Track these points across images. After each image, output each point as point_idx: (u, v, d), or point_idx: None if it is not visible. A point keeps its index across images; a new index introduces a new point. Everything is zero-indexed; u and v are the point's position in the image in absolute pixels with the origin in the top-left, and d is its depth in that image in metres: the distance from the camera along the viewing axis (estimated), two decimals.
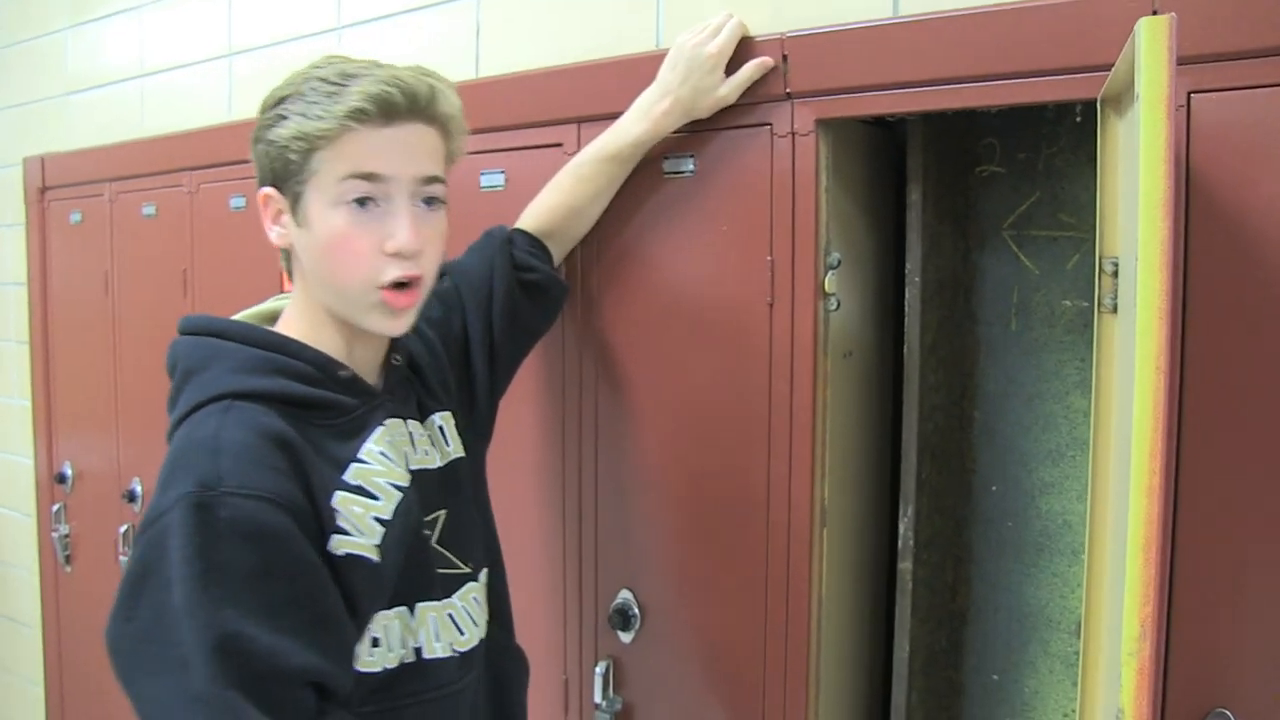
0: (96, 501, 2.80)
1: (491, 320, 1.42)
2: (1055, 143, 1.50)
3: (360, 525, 1.09)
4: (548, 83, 1.67)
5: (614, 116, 1.51)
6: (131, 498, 2.60)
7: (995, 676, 1.60)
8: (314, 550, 1.04)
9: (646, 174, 1.54)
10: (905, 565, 1.52)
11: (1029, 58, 1.23)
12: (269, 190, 1.15)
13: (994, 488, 1.60)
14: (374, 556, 1.09)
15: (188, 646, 0.93)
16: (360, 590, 1.08)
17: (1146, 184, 0.88)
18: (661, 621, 1.58)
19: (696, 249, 1.51)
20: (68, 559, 2.96)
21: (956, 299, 1.59)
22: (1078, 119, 1.38)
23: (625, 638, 1.60)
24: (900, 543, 1.53)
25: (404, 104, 1.10)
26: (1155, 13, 1.13)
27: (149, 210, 2.53)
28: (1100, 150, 1.19)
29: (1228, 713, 1.14)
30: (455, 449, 1.30)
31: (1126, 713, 0.90)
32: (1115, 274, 1.19)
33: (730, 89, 1.43)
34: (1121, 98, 1.14)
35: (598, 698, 1.61)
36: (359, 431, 1.15)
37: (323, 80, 1.09)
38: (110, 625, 0.99)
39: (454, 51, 1.87)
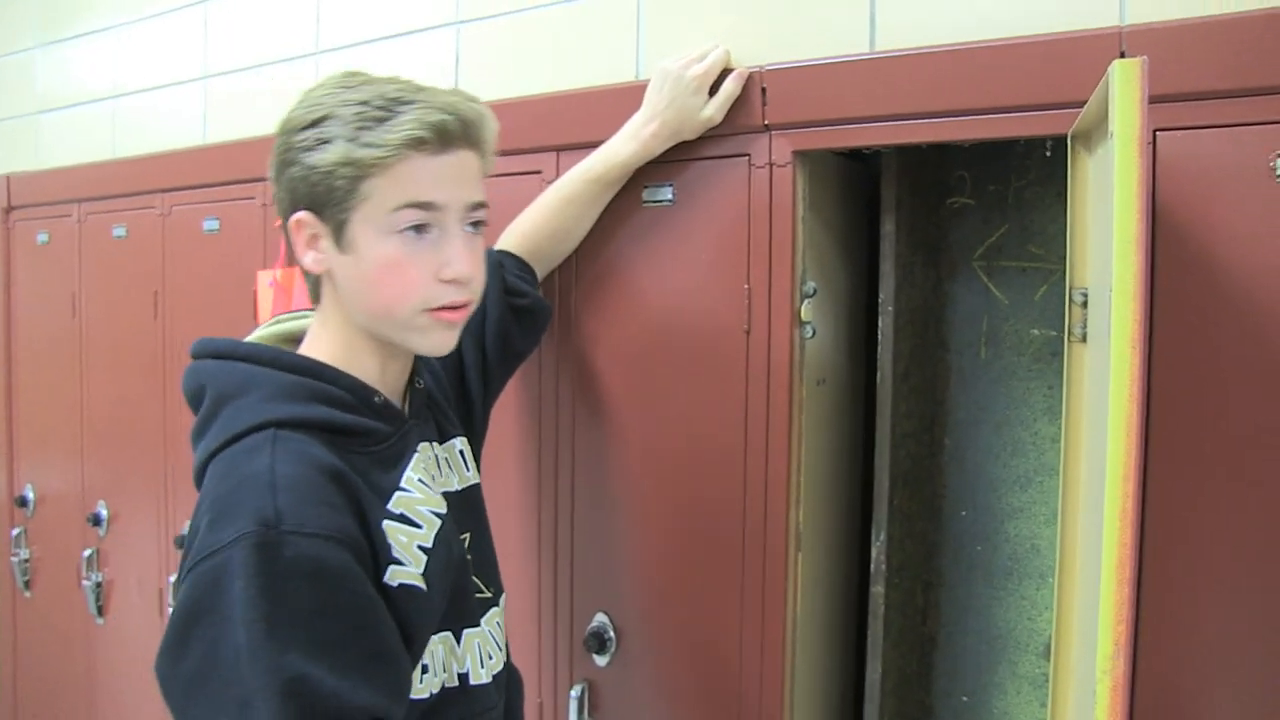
0: (59, 525, 2.77)
1: (485, 345, 1.43)
2: (1025, 176, 1.54)
3: (407, 554, 1.09)
4: (527, 111, 1.69)
5: (594, 145, 1.54)
6: (96, 521, 2.57)
7: (965, 698, 1.63)
8: (371, 584, 1.03)
9: (626, 201, 1.56)
10: (878, 589, 1.54)
11: (1001, 94, 1.27)
12: (304, 215, 1.10)
13: (963, 513, 1.63)
14: (422, 585, 1.09)
15: (251, 689, 0.92)
16: (415, 620, 1.08)
17: (1120, 218, 0.91)
18: (638, 644, 1.59)
19: (675, 275, 1.54)
20: (27, 584, 2.92)
21: (927, 328, 1.63)
22: (1047, 153, 1.43)
23: (601, 661, 1.61)
24: (873, 567, 1.55)
25: (459, 131, 1.09)
26: (1124, 54, 1.17)
27: (119, 231, 2.52)
28: (1070, 185, 1.23)
29: None
30: (473, 473, 1.31)
31: None
32: (1085, 305, 1.23)
33: (715, 108, 1.46)
34: (1092, 134, 1.18)
35: None
36: (398, 459, 1.16)
37: (364, 104, 1.06)
38: (160, 661, 0.98)
39: (433, 79, 1.89)
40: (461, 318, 1.15)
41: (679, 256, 1.53)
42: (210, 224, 2.26)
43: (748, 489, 1.48)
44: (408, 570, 1.08)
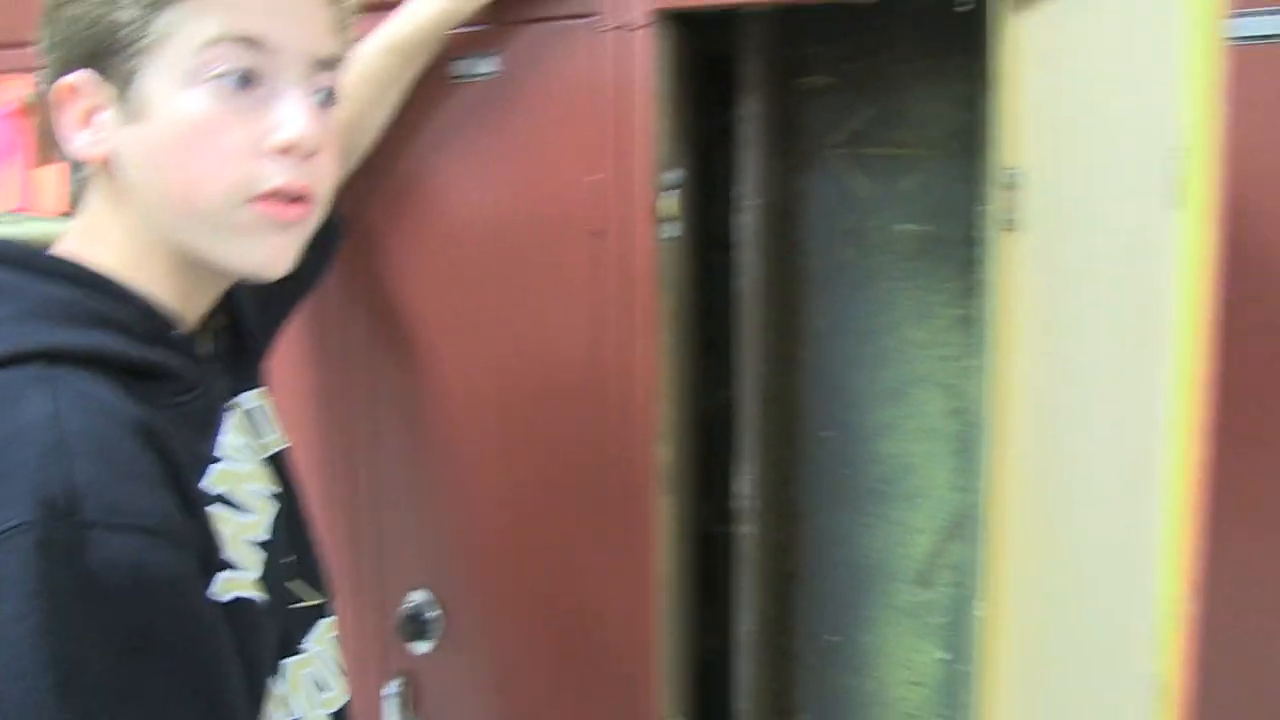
0: None
1: None
2: (890, 51, 1.37)
3: (237, 552, 0.76)
4: None
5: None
6: None
7: (833, 638, 1.48)
8: (203, 596, 0.70)
9: (431, 79, 1.24)
10: (745, 529, 1.35)
11: None
12: (78, 78, 0.75)
13: (824, 434, 1.46)
14: (260, 597, 0.77)
15: None
16: (253, 653, 0.76)
17: (1200, 66, 0.73)
18: (468, 622, 1.31)
19: (502, 170, 1.24)
20: None
21: (779, 226, 1.43)
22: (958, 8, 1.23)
23: (422, 647, 1.31)
24: (738, 504, 1.35)
25: None
26: None
27: None
28: (998, 48, 1.06)
29: None
30: (278, 436, 0.96)
31: (1166, 682, 0.77)
32: (1014, 187, 1.07)
33: None
34: None
35: None
36: (209, 417, 0.81)
37: None
38: None
39: None
40: (301, 215, 0.79)
41: (507, 146, 1.23)
42: None
43: (605, 424, 1.23)
44: (241, 577, 0.76)
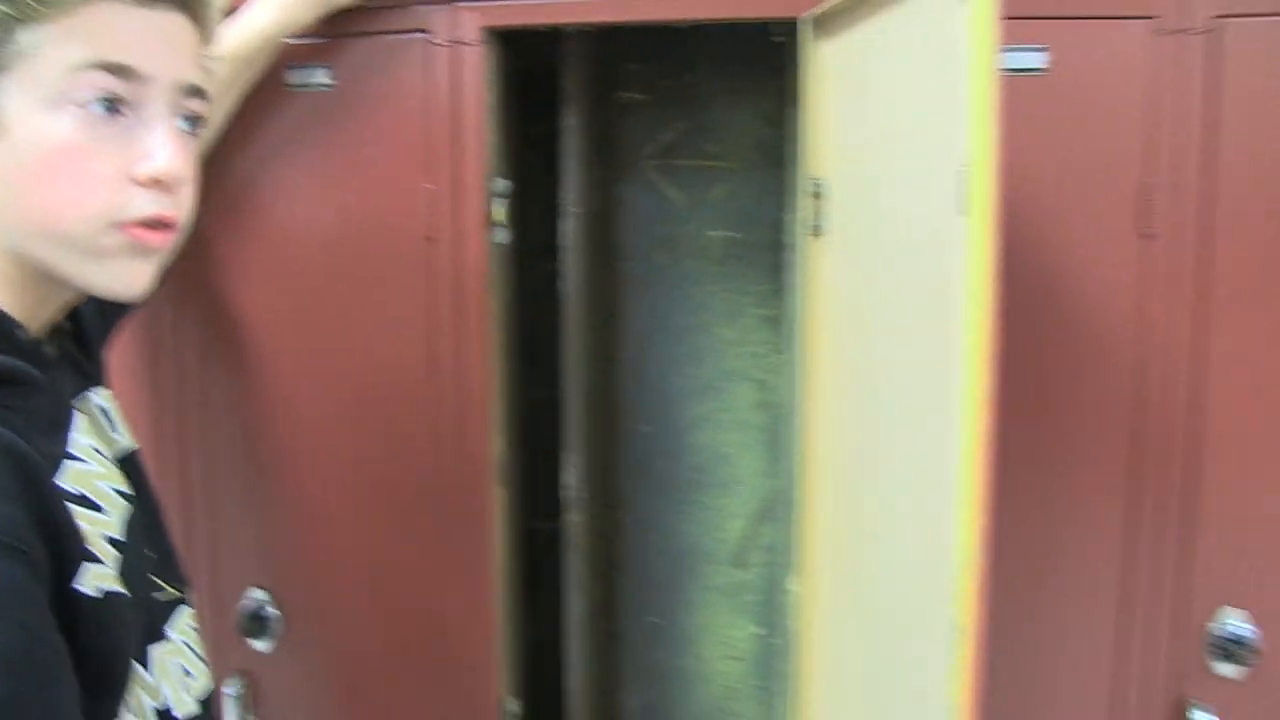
0: None
1: None
2: (698, 70, 1.47)
3: (97, 548, 0.76)
4: None
5: None
6: None
7: (655, 620, 1.57)
8: (49, 607, 0.70)
9: (268, 87, 1.25)
10: (574, 518, 1.43)
11: None
12: None
13: (643, 427, 1.55)
14: (125, 589, 0.77)
15: None
16: (119, 644, 0.76)
17: (976, 90, 0.86)
18: (307, 621, 1.33)
19: (337, 178, 1.27)
20: None
21: (600, 233, 1.51)
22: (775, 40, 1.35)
23: (261, 646, 1.32)
24: (567, 494, 1.43)
25: None
26: None
27: None
28: (805, 72, 1.18)
29: None
30: (127, 437, 0.96)
31: (964, 627, 0.89)
32: (819, 196, 1.19)
33: None
34: (833, 21, 1.12)
35: None
36: (58, 417, 0.81)
37: None
38: None
39: None
40: (163, 242, 0.81)
41: (342, 155, 1.27)
42: None
43: (440, 421, 1.28)
44: (105, 570, 0.77)
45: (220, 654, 1.34)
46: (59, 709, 0.70)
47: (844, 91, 1.13)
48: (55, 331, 0.88)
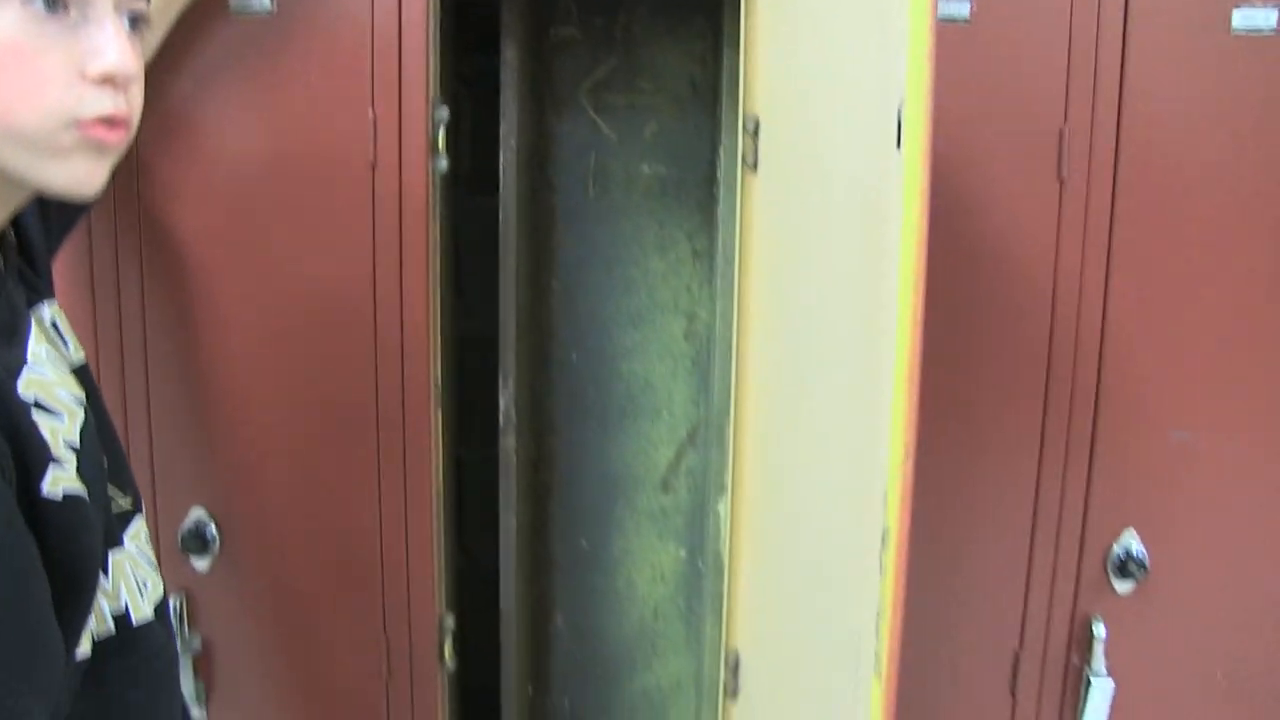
0: None
1: None
2: (633, 9, 1.50)
3: (58, 453, 0.78)
4: None
5: None
6: None
7: (585, 542, 1.62)
8: (16, 510, 0.71)
9: (208, 12, 1.25)
10: (508, 441, 1.47)
11: None
12: None
13: (574, 356, 1.59)
14: (84, 492, 0.79)
15: None
16: (85, 543, 0.78)
17: (915, 24, 0.91)
18: (246, 541, 1.35)
19: (279, 103, 1.27)
20: None
21: (533, 166, 1.54)
22: None
23: (201, 565, 1.34)
24: (502, 418, 1.47)
25: None
26: None
27: None
28: (744, 10, 1.21)
29: None
30: (78, 348, 0.97)
31: (892, 531, 0.96)
32: (755, 133, 1.23)
33: None
34: None
35: None
36: (16, 325, 0.82)
37: None
38: None
39: None
40: (119, 140, 0.80)
41: (284, 81, 1.27)
42: None
43: (381, 345, 1.31)
44: (67, 473, 0.79)
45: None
46: (32, 606, 0.72)
47: (781, 30, 1.17)
48: (1, 243, 0.88)
